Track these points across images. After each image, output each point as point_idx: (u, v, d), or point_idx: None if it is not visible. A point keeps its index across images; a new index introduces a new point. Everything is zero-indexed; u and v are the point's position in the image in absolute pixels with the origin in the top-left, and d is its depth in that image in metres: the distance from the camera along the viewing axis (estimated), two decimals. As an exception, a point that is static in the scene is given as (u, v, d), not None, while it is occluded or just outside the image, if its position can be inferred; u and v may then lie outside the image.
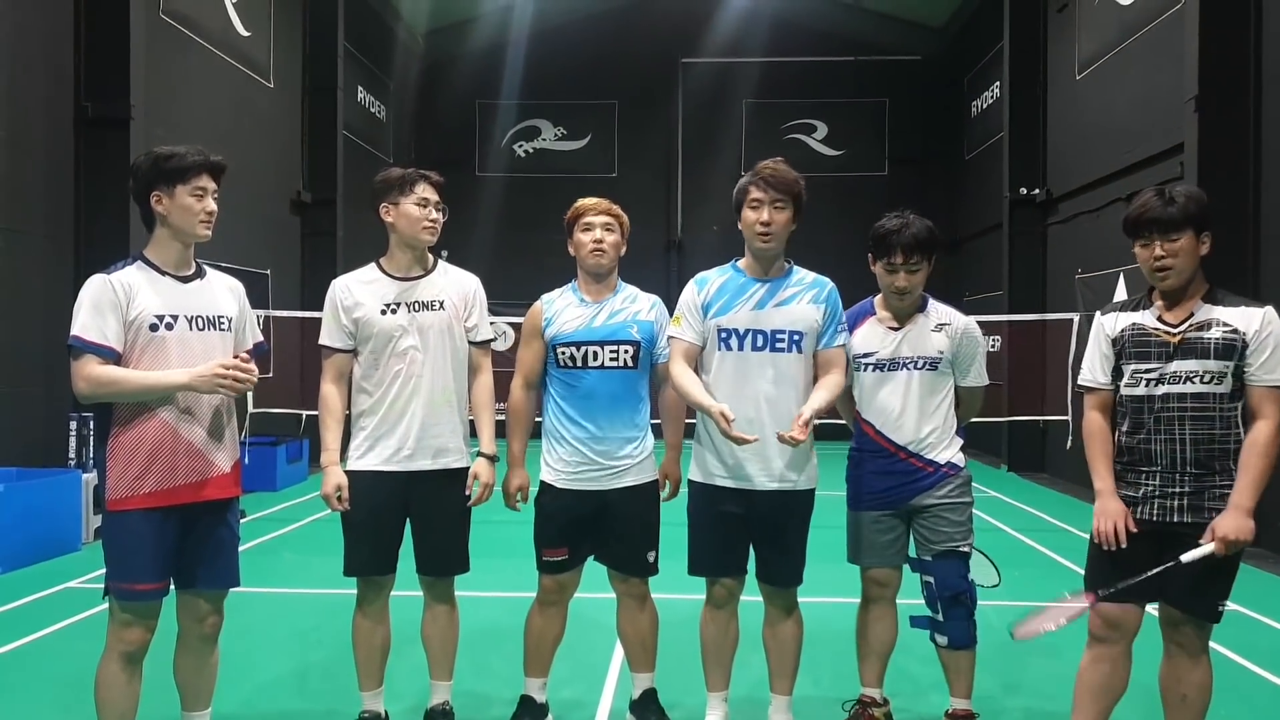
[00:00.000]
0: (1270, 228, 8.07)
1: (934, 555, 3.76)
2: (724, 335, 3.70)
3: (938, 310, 3.87)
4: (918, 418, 3.77)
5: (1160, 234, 3.24)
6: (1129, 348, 3.35)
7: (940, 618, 3.76)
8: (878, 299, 3.90)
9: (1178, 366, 3.24)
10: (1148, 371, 3.29)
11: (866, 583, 3.90)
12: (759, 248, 3.69)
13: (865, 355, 3.82)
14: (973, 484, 3.87)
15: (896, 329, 3.81)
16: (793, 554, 3.77)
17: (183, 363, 3.26)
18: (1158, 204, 3.26)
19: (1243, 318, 3.22)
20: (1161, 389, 3.26)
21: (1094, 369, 3.48)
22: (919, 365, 3.77)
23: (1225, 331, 3.21)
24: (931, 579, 3.77)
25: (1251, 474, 3.16)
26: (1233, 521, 3.11)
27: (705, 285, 3.79)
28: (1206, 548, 3.11)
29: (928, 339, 3.79)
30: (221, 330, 3.41)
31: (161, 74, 9.80)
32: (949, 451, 3.80)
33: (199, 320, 3.34)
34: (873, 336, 3.83)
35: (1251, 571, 6.92)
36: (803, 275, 3.79)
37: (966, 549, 3.79)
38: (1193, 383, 3.22)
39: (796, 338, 3.66)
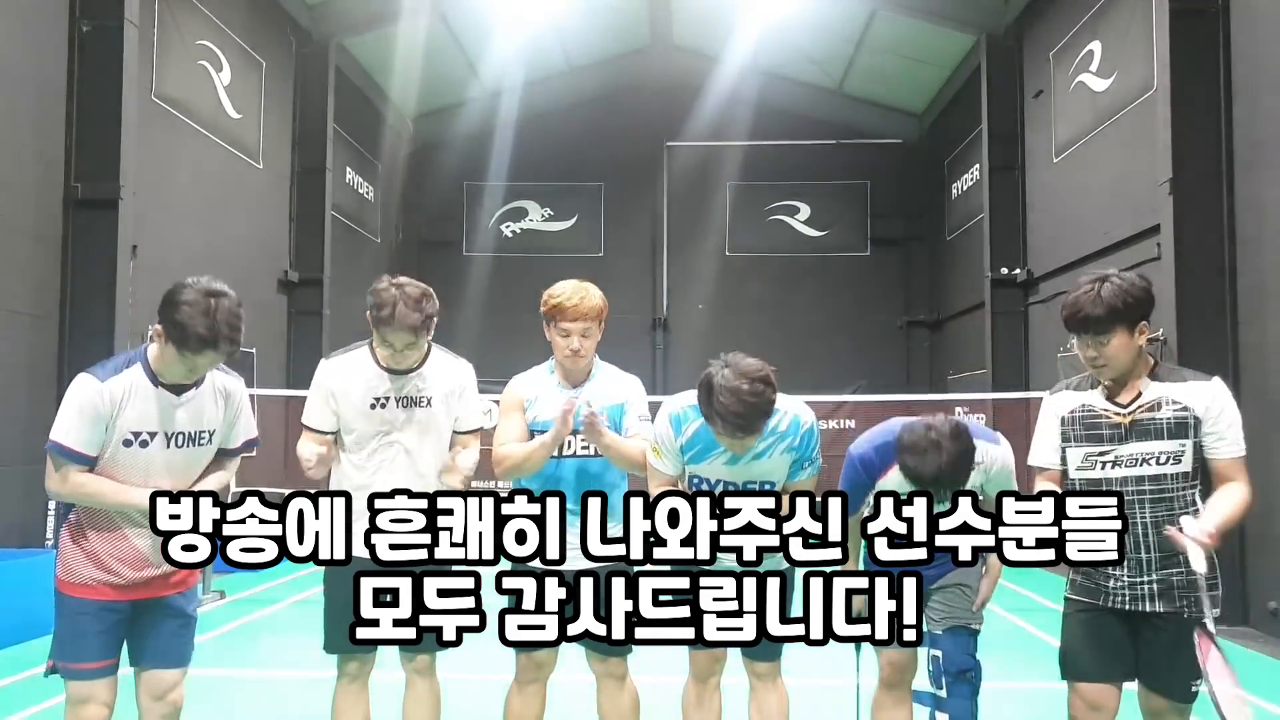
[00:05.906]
0: (1246, 306, 8.18)
1: (944, 629, 3.69)
2: (696, 481, 3.71)
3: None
4: None
5: (1090, 334, 3.23)
6: (1078, 429, 3.35)
7: (944, 694, 3.68)
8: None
9: (1133, 449, 3.26)
10: (1101, 454, 3.30)
11: (886, 666, 3.76)
12: None
13: None
14: None
15: None
16: None
17: (154, 477, 3.23)
18: (1086, 303, 3.21)
19: (1192, 393, 3.25)
20: (1118, 472, 3.28)
21: (1043, 451, 3.46)
22: None
23: (1176, 410, 3.23)
24: (940, 653, 3.69)
25: (1222, 511, 3.13)
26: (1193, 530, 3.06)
27: (681, 429, 3.66)
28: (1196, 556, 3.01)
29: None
30: (200, 446, 3.40)
31: (152, 155, 9.92)
32: None
33: (179, 438, 3.32)
34: None
35: (1236, 649, 6.86)
36: (778, 421, 3.56)
37: (977, 626, 3.72)
38: (1149, 465, 3.24)
39: (769, 485, 3.63)
